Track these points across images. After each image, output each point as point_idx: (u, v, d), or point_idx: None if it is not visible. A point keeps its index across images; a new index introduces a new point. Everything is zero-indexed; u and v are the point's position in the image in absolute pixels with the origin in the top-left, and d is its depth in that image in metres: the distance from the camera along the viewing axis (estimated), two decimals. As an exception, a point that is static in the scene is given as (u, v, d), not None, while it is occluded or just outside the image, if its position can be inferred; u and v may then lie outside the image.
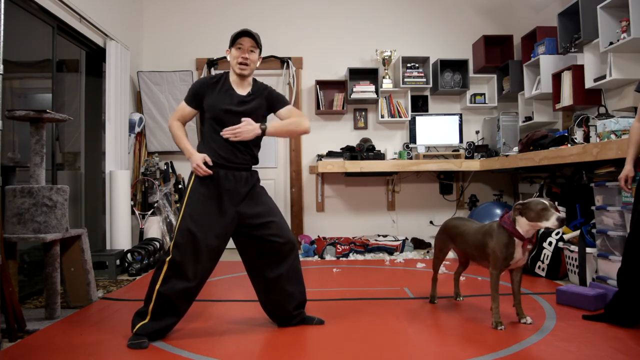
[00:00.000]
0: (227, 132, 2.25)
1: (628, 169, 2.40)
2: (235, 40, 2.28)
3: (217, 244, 2.26)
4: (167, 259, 2.19)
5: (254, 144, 2.36)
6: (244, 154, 2.31)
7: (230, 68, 2.35)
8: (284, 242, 2.33)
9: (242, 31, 2.27)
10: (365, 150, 4.82)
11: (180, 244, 2.19)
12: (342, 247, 4.55)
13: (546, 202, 2.26)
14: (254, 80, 2.41)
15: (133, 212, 4.61)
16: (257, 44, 2.31)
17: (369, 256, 4.55)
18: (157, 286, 2.18)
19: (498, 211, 4.13)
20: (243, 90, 2.35)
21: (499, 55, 5.26)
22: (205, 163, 2.25)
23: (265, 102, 2.40)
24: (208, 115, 2.32)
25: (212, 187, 2.26)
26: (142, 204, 4.74)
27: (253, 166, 2.40)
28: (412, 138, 5.16)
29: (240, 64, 2.28)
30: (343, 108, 5.24)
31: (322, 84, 5.26)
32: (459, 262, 2.88)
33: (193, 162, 2.26)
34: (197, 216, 2.22)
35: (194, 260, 2.20)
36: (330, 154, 4.91)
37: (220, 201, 2.25)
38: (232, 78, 2.35)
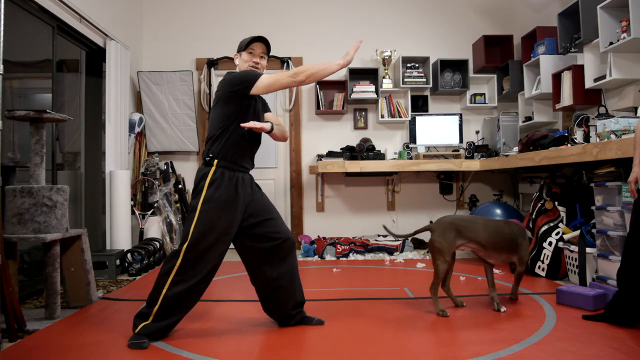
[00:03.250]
0: (250, 125, 2.23)
1: (637, 172, 2.28)
2: (248, 44, 2.34)
3: (227, 247, 2.27)
4: (178, 262, 2.17)
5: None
6: (253, 157, 2.42)
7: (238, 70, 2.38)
8: (285, 239, 2.35)
9: (257, 37, 2.35)
10: (365, 150, 4.82)
11: (193, 248, 2.18)
12: (342, 247, 4.55)
13: None
14: None
15: (133, 212, 4.61)
16: (268, 51, 2.39)
17: (369, 256, 4.55)
18: (165, 290, 2.16)
19: (498, 211, 4.13)
20: None
21: (499, 55, 5.26)
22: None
23: (261, 102, 2.49)
24: (243, 115, 2.26)
25: (229, 192, 2.24)
26: (142, 204, 4.74)
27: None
28: (412, 138, 5.16)
29: (252, 67, 2.34)
30: (343, 108, 5.24)
31: (322, 84, 5.26)
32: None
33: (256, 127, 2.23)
34: (213, 221, 2.20)
35: (204, 263, 2.20)
36: (330, 154, 4.91)
37: (235, 205, 2.25)
38: None
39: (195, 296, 2.24)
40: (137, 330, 2.18)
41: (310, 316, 2.47)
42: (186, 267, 2.18)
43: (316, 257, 4.55)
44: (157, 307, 2.17)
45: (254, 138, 2.36)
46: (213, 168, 2.26)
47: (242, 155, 2.31)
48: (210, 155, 2.27)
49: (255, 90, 2.23)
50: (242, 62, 2.36)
